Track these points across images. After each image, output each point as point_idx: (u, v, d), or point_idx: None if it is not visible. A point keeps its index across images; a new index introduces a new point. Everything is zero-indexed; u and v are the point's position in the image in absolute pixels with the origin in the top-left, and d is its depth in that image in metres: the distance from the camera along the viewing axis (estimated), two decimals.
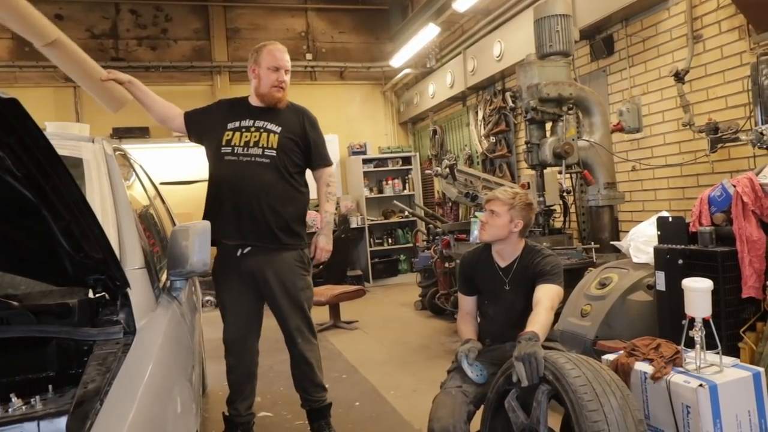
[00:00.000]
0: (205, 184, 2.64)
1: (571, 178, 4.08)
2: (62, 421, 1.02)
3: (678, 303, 2.11)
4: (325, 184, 2.70)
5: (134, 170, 2.52)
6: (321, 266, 5.45)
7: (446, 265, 5.26)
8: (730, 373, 1.89)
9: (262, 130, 2.56)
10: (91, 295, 1.39)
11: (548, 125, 3.96)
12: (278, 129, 2.57)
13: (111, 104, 2.53)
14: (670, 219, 2.65)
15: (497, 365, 2.00)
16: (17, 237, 1.30)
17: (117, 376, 1.11)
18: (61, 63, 2.38)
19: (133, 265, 1.54)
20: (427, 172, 7.66)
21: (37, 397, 1.11)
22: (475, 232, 4.15)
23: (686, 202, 3.88)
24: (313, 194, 2.71)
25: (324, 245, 2.64)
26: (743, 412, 1.85)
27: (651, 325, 2.57)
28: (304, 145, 2.63)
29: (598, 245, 3.67)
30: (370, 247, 8.21)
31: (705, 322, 1.93)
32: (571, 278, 3.06)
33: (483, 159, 6.74)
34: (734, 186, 2.36)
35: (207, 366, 3.99)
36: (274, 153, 2.54)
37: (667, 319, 2.49)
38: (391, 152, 8.58)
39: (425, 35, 6.88)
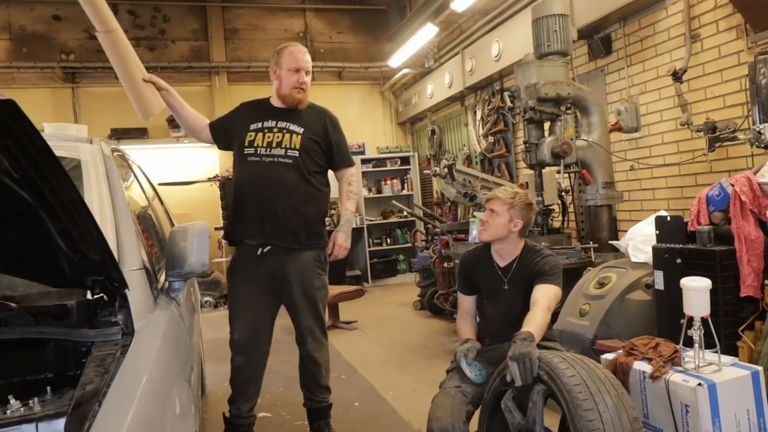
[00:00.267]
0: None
1: (570, 177, 4.08)
2: (60, 422, 1.02)
3: (677, 302, 2.11)
4: (346, 183, 2.73)
5: (132, 171, 2.52)
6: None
7: (445, 265, 5.26)
8: (728, 372, 1.89)
9: (284, 131, 2.59)
10: (89, 296, 1.38)
11: (546, 125, 3.96)
12: (300, 130, 2.60)
13: (143, 109, 2.53)
14: (669, 218, 2.66)
15: (496, 365, 2.00)
16: (15, 238, 1.30)
17: (115, 378, 1.11)
18: (110, 53, 2.42)
19: (131, 266, 1.54)
20: (426, 172, 7.66)
21: (36, 399, 1.11)
22: (474, 232, 4.15)
23: (684, 201, 3.89)
24: (333, 193, 2.76)
25: (342, 242, 2.66)
26: (742, 411, 1.85)
27: (650, 325, 2.57)
28: (326, 146, 2.65)
29: (596, 245, 3.67)
30: (369, 247, 8.21)
31: (703, 321, 1.93)
32: (569, 278, 3.06)
33: (481, 159, 6.74)
34: (732, 185, 2.36)
35: (206, 366, 3.99)
36: (296, 154, 2.56)
37: (665, 318, 2.49)
38: (390, 152, 8.58)
39: (423, 35, 6.88)
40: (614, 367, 2.07)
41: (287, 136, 2.58)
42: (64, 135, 2.25)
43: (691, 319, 1.94)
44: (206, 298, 7.00)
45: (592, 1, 4.46)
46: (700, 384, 1.81)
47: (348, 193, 2.73)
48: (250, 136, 2.59)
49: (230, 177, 6.71)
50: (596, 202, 3.85)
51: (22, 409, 1.08)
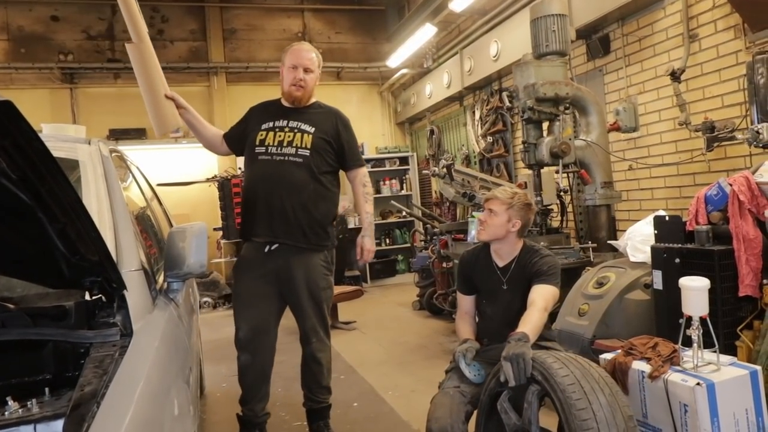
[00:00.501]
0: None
1: (568, 177, 4.08)
2: (59, 424, 1.02)
3: (675, 302, 2.12)
4: (361, 185, 2.72)
5: (131, 171, 2.52)
6: None
7: (444, 265, 5.26)
8: (727, 371, 1.89)
9: (296, 131, 2.60)
10: (87, 297, 1.38)
11: (545, 125, 3.96)
12: (312, 129, 2.61)
13: (161, 124, 2.57)
14: (667, 218, 2.66)
15: (495, 365, 2.00)
16: (12, 239, 1.29)
17: (114, 379, 1.11)
18: (137, 65, 2.47)
19: (129, 267, 1.53)
20: (425, 172, 7.66)
21: (34, 400, 1.11)
22: (473, 232, 4.15)
23: (683, 201, 3.89)
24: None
25: (370, 247, 2.67)
26: (741, 410, 1.86)
27: (648, 324, 2.57)
28: (337, 146, 2.66)
29: (595, 244, 3.67)
30: None
31: (702, 320, 1.94)
32: (568, 277, 3.06)
33: (480, 159, 6.74)
34: (731, 185, 2.37)
35: (205, 367, 3.98)
36: (307, 153, 2.57)
37: (664, 317, 2.49)
38: (389, 152, 8.58)
39: (422, 35, 6.88)
40: (613, 366, 2.08)
41: (298, 135, 2.59)
42: (62, 136, 2.25)
43: (689, 319, 1.94)
44: (205, 299, 6.99)
45: (591, 1, 4.47)
46: (698, 383, 1.81)
47: (365, 195, 2.72)
48: (261, 135, 2.61)
49: (228, 177, 6.72)
50: (595, 202, 3.85)
51: (20, 410, 1.08)
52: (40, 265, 1.37)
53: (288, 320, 2.73)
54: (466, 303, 2.31)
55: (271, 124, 2.62)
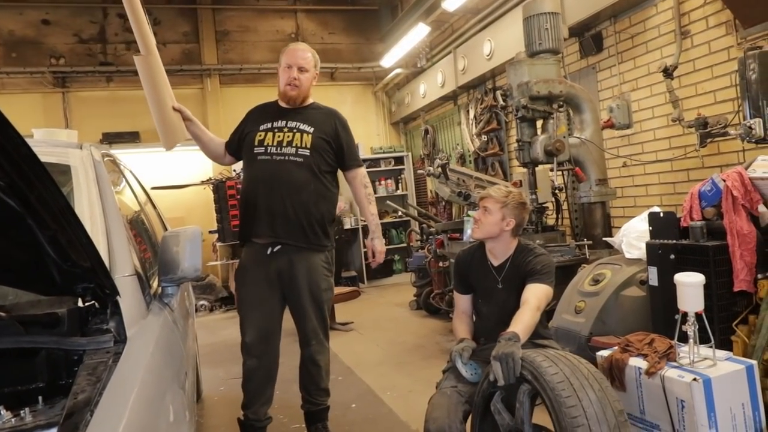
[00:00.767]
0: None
1: (563, 175, 4.09)
2: None
3: (671, 298, 2.12)
4: (362, 186, 2.73)
5: (124, 175, 2.50)
6: None
7: (440, 264, 5.26)
8: (723, 366, 1.90)
9: (295, 131, 2.59)
10: (80, 304, 1.37)
11: (539, 123, 3.96)
12: (311, 129, 2.60)
13: (168, 137, 2.57)
14: (662, 214, 2.67)
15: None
16: (2, 247, 1.28)
17: (107, 386, 1.10)
18: (145, 78, 2.48)
19: (122, 272, 1.52)
20: (420, 171, 7.66)
21: (27, 409, 1.10)
22: (468, 231, 4.15)
23: (677, 197, 3.90)
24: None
25: (381, 248, 2.69)
26: (737, 405, 1.86)
27: (644, 321, 2.58)
28: (336, 147, 2.66)
29: (590, 242, 3.68)
30: (365, 248, 8.19)
31: (698, 316, 1.94)
32: (564, 275, 3.07)
33: (475, 158, 6.75)
34: (724, 180, 2.37)
35: (203, 371, 3.97)
36: (307, 152, 2.56)
37: (660, 314, 2.50)
38: (384, 152, 8.57)
39: (415, 35, 6.88)
40: (610, 363, 2.08)
41: (298, 135, 2.58)
42: (54, 141, 2.23)
43: (685, 315, 1.95)
44: (201, 302, 6.97)
45: None
46: (695, 379, 1.81)
47: (367, 196, 2.73)
48: (260, 135, 2.60)
49: (223, 180, 6.70)
50: (590, 199, 3.86)
51: (13, 419, 1.07)
52: (32, 273, 1.36)
53: (285, 322, 2.72)
54: (462, 302, 2.30)
55: (269, 125, 2.61)
